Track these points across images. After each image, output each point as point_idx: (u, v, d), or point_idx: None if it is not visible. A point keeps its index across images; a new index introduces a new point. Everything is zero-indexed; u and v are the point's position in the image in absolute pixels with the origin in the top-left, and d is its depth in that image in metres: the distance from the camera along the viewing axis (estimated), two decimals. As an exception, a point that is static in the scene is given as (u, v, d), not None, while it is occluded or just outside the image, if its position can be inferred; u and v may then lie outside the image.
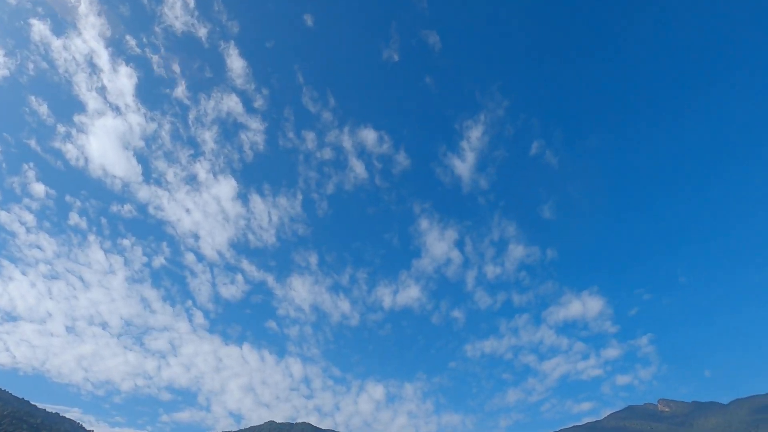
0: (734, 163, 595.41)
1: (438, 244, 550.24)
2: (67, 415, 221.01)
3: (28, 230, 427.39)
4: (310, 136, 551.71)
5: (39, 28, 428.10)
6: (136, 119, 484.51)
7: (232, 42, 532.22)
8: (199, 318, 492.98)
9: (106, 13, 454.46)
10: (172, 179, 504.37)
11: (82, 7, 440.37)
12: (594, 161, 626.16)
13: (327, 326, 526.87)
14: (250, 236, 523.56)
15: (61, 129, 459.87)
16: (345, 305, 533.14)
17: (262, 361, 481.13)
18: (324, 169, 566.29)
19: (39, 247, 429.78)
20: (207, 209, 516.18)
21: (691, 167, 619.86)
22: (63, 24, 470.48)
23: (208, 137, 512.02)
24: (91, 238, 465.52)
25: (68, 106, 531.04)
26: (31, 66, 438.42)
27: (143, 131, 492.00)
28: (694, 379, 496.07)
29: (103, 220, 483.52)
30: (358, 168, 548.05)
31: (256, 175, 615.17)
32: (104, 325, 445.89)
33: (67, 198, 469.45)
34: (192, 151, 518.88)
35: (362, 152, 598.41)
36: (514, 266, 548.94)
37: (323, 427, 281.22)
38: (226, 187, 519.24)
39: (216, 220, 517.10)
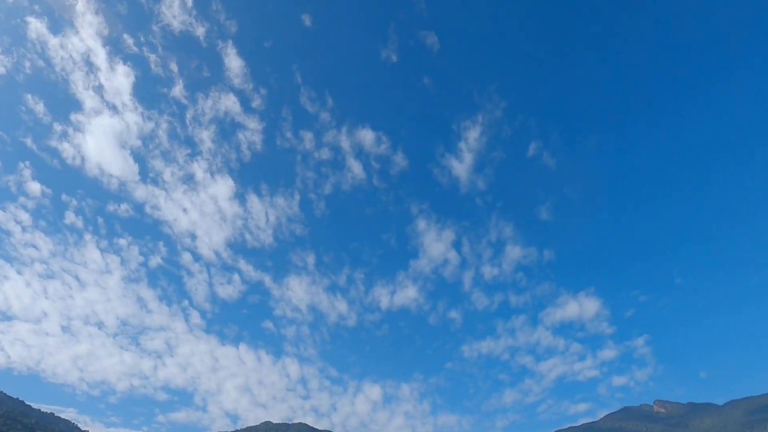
0: (731, 165, 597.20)
1: (435, 244, 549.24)
2: (62, 416, 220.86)
3: (23, 229, 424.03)
4: (307, 136, 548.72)
5: (36, 26, 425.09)
6: (133, 118, 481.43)
7: (230, 41, 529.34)
8: (195, 318, 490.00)
9: (103, 12, 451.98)
10: (169, 179, 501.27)
11: (80, 6, 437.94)
12: (591, 162, 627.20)
13: (324, 326, 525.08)
14: (248, 236, 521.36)
15: (58, 127, 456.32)
16: (342, 306, 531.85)
17: (259, 362, 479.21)
18: (322, 169, 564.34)
19: (35, 246, 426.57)
20: (204, 209, 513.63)
21: (688, 169, 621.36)
22: (60, 22, 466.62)
23: (205, 137, 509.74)
24: (88, 237, 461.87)
25: (65, 105, 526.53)
26: (27, 64, 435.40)
27: (140, 130, 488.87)
28: (690, 380, 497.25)
29: (100, 220, 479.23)
30: (356, 168, 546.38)
31: (253, 174, 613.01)
32: (100, 325, 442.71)
33: (63, 197, 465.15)
34: (189, 151, 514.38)
35: (360, 152, 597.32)
36: (511, 267, 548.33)
37: (320, 428, 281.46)
38: (224, 187, 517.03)
39: (213, 219, 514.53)
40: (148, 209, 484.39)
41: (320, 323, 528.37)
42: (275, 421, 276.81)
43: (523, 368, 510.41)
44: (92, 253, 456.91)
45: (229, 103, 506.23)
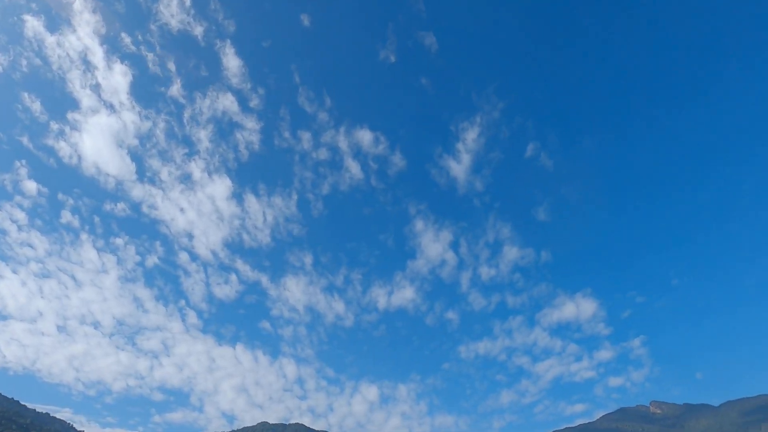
0: (727, 166, 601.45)
1: (433, 245, 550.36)
2: (58, 416, 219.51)
3: (19, 228, 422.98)
4: (305, 136, 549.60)
5: (33, 24, 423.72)
6: (130, 117, 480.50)
7: (228, 41, 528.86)
8: (192, 318, 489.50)
9: (101, 10, 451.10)
10: (166, 178, 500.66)
11: (77, 4, 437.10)
12: (589, 164, 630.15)
13: (321, 327, 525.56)
14: (245, 236, 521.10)
15: (55, 126, 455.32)
16: (339, 306, 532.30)
17: (256, 362, 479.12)
18: (319, 169, 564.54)
19: (30, 246, 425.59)
20: (201, 208, 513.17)
21: (685, 170, 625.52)
22: (57, 20, 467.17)
23: (203, 136, 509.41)
24: (84, 236, 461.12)
25: (62, 104, 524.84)
26: (24, 62, 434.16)
27: (137, 129, 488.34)
28: (686, 381, 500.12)
29: (96, 219, 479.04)
30: (354, 169, 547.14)
31: (251, 174, 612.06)
32: (96, 325, 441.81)
33: (60, 196, 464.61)
34: (187, 150, 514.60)
35: (358, 153, 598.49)
36: (508, 268, 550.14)
37: (316, 428, 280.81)
38: (221, 187, 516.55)
39: (210, 219, 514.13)
40: (145, 209, 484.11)
41: (317, 323, 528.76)
42: (272, 421, 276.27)
43: (520, 369, 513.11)
44: (88, 252, 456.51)
45: (227, 102, 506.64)
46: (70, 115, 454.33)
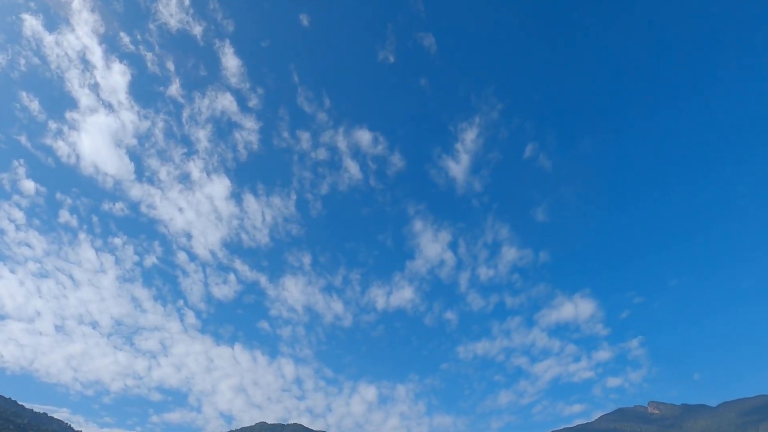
0: (725, 166, 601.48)
1: (432, 245, 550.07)
2: (56, 416, 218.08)
3: (17, 228, 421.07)
4: (304, 136, 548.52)
5: (31, 23, 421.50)
6: (129, 117, 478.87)
7: (228, 41, 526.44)
8: (190, 318, 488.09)
9: (100, 10, 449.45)
10: (164, 178, 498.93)
11: (76, 3, 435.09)
12: (587, 164, 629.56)
13: (320, 327, 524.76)
14: (243, 236, 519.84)
15: (53, 125, 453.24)
16: (338, 306, 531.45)
17: (254, 362, 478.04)
18: (318, 169, 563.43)
19: (28, 245, 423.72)
20: (200, 208, 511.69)
21: (683, 171, 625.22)
22: (56, 19, 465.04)
23: (201, 136, 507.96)
24: (82, 236, 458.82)
25: (60, 103, 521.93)
26: (22, 61, 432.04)
27: (136, 129, 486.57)
28: (684, 381, 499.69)
29: (94, 219, 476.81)
30: (353, 169, 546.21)
31: (249, 174, 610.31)
32: (94, 325, 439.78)
33: (58, 195, 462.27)
34: (185, 150, 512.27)
35: (357, 153, 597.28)
36: (507, 268, 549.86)
37: (315, 429, 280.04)
38: (220, 187, 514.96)
39: (209, 219, 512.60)
40: (143, 208, 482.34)
41: (316, 324, 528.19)
42: (270, 421, 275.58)
43: (518, 369, 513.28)
44: (87, 252, 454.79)
45: (226, 102, 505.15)
46: (68, 115, 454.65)
